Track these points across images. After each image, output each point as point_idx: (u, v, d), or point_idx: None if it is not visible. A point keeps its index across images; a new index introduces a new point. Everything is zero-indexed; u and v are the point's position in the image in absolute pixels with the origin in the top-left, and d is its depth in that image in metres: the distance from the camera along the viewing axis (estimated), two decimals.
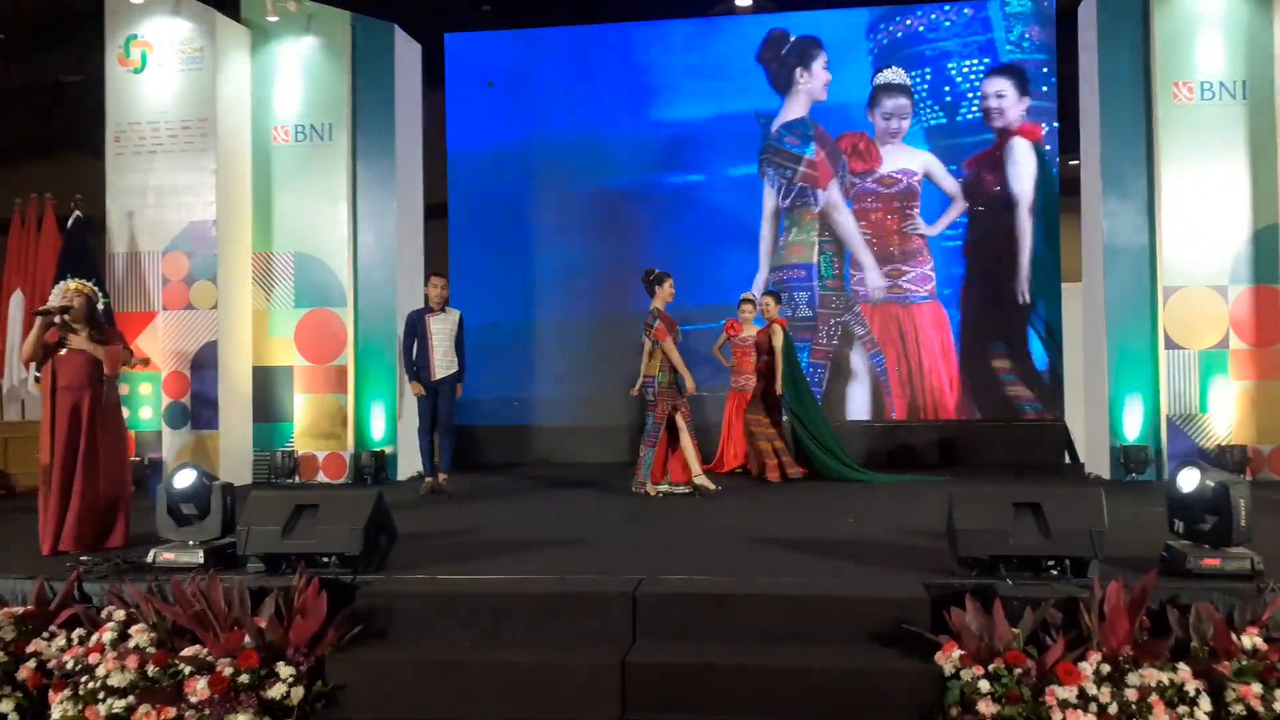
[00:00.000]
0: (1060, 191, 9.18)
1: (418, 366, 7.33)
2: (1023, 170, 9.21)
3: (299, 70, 8.64)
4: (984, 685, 3.43)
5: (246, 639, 3.96)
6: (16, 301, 8.40)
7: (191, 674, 3.86)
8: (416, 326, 7.33)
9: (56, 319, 5.36)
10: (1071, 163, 9.13)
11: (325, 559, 4.47)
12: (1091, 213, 8.15)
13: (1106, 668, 3.42)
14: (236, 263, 8.47)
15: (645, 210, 9.71)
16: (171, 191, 8.25)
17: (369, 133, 8.63)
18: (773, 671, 3.78)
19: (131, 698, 3.82)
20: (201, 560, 4.62)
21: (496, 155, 9.90)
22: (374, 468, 8.33)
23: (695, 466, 7.18)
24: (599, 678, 3.83)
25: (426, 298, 7.40)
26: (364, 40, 8.67)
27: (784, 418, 8.01)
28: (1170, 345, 7.63)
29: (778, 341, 7.90)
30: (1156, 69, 7.74)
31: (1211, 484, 4.07)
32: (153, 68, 8.33)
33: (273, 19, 8.52)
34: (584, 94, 9.79)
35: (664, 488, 7.14)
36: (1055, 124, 9.14)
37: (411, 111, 9.03)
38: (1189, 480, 4.13)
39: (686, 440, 7.18)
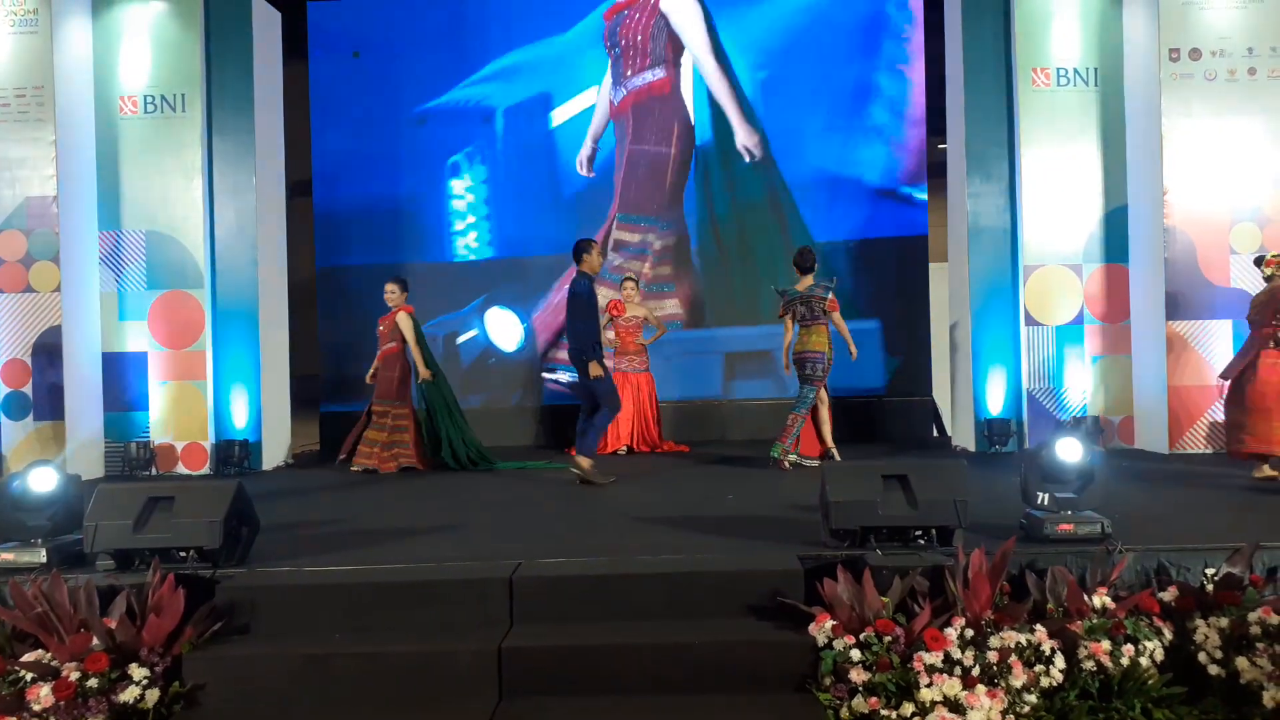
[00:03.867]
0: (929, 173, 9.46)
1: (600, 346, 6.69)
2: None
3: (146, 37, 8.13)
4: (855, 654, 3.50)
5: (95, 641, 3.72)
6: None
7: (34, 680, 3.61)
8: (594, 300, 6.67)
9: None
10: (940, 146, 9.41)
11: (182, 554, 4.24)
12: (956, 194, 8.42)
13: (970, 632, 3.53)
14: (81, 242, 7.93)
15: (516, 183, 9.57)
16: (5, 165, 7.66)
17: (225, 104, 8.19)
18: (651, 649, 3.77)
19: None
20: (44, 559, 4.31)
21: (362, 128, 9.57)
22: (237, 457, 7.96)
23: (829, 438, 7.20)
24: (475, 664, 3.75)
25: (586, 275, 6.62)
26: (218, 6, 8.21)
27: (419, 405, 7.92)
28: (1030, 321, 7.97)
29: (405, 326, 7.71)
30: (1017, 55, 8.03)
31: (1085, 454, 4.27)
32: None
33: None
34: (451, 60, 9.55)
35: (794, 458, 7.07)
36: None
37: (271, 82, 8.62)
38: (1071, 451, 4.28)
39: (826, 414, 7.17)
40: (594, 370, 6.52)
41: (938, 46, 8.83)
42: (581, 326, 6.51)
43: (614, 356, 8.53)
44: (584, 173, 9.69)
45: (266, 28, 8.56)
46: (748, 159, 9.59)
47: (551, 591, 4.06)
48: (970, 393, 8.17)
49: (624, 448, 8.39)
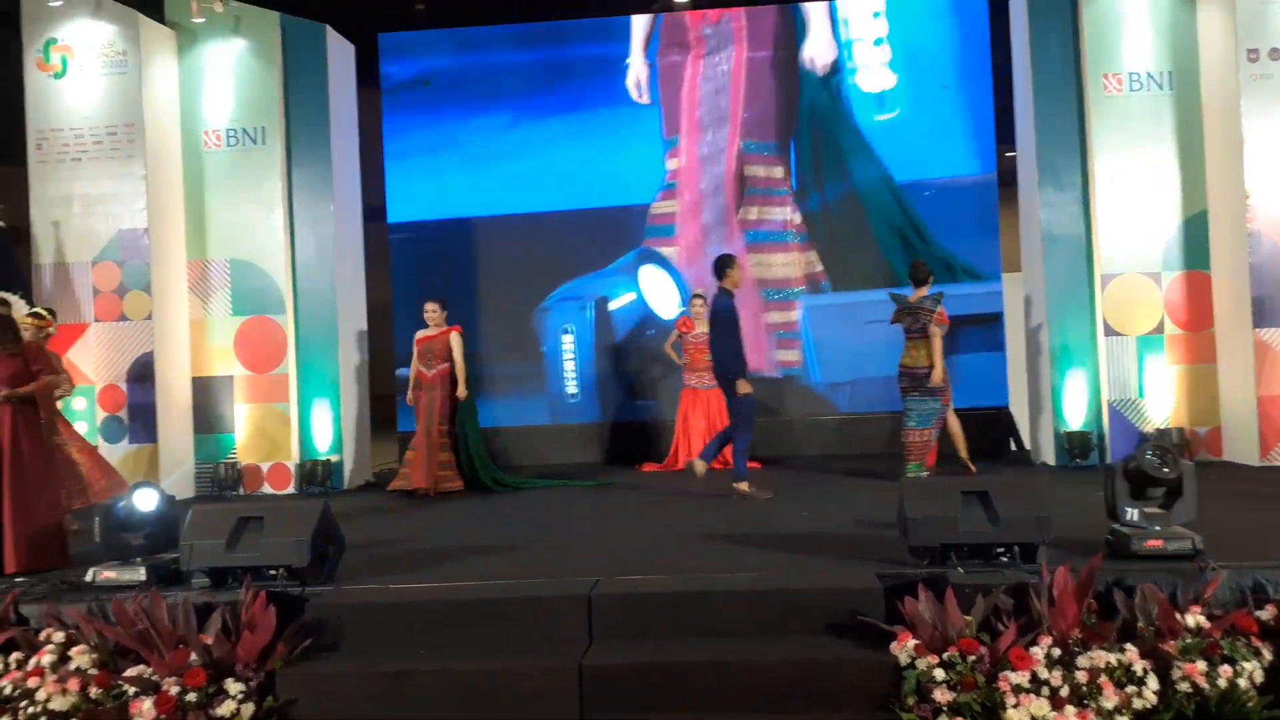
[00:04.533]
0: (999, 182, 9.33)
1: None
2: None
3: (228, 73, 8.44)
4: (939, 674, 3.47)
5: (193, 656, 3.87)
6: None
7: (136, 695, 3.77)
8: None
9: None
10: (1008, 154, 9.28)
11: (272, 572, 4.38)
12: (1029, 203, 8.30)
13: (1057, 651, 3.48)
14: (170, 271, 8.25)
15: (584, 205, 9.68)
16: (99, 200, 8.00)
17: (303, 135, 8.45)
18: (730, 667, 3.78)
19: None
20: (144, 577, 4.49)
21: (435, 156, 9.77)
22: (319, 477, 8.17)
23: (963, 449, 7.20)
24: (556, 681, 3.80)
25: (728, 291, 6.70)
26: (295, 41, 8.48)
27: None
28: (1109, 332, 7.80)
29: (458, 344, 7.76)
30: (1086, 61, 7.90)
31: (1171, 467, 4.17)
32: (74, 72, 8.07)
33: (198, 20, 8.30)
34: (522, 91, 9.70)
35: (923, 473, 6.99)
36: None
37: (346, 113, 8.87)
38: (1154, 464, 4.19)
39: (957, 425, 7.18)
40: (743, 388, 6.55)
41: (1003, 56, 8.73)
42: (726, 346, 6.56)
43: (684, 373, 8.57)
44: (639, 98, 9.67)
45: (340, 59, 8.82)
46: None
47: (630, 609, 4.11)
48: (1048, 405, 8.01)
49: None
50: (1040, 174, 8.04)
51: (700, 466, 6.93)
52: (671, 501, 6.88)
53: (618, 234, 9.60)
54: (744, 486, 6.64)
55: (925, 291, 7.03)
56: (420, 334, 7.78)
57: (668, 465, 8.53)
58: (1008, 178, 9.11)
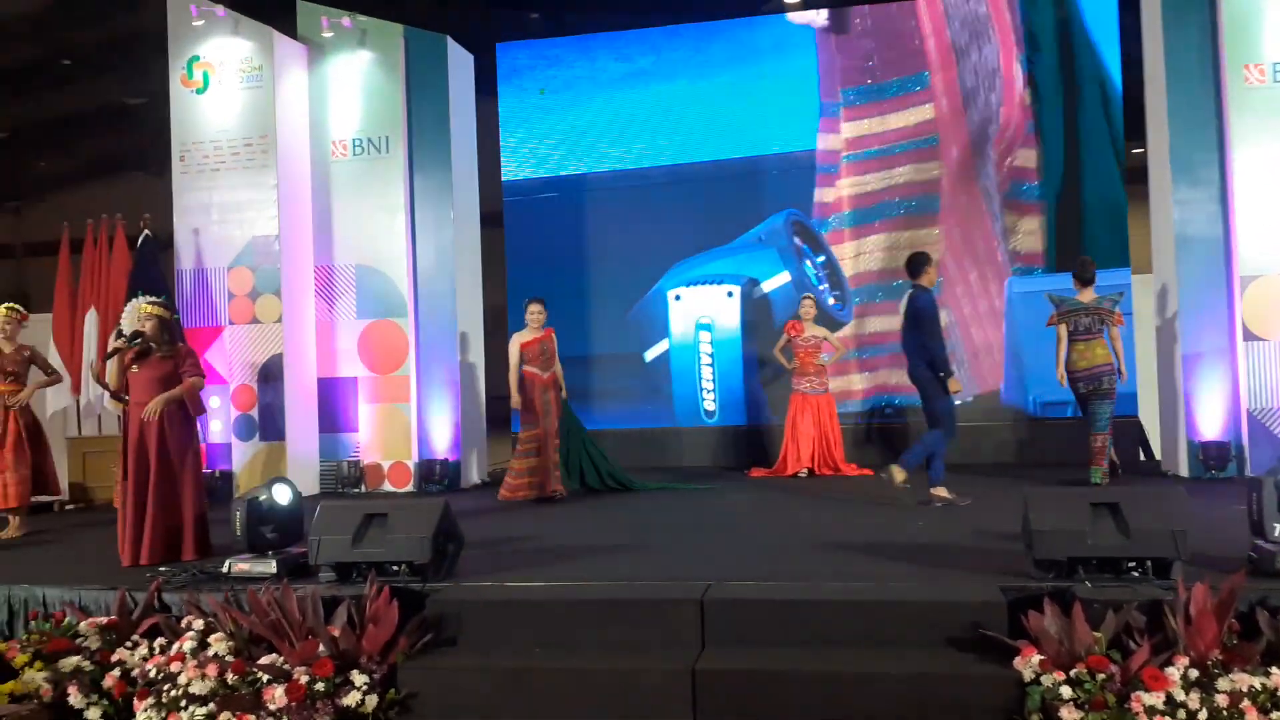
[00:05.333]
0: (1126, 180, 8.95)
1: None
2: None
3: (355, 85, 8.77)
4: (1066, 691, 3.35)
5: (321, 648, 4.02)
6: (91, 320, 8.64)
7: (269, 682, 3.93)
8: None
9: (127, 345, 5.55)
10: (1135, 150, 8.88)
11: (395, 567, 4.52)
12: (1161, 201, 7.92)
13: (1194, 672, 3.32)
14: (299, 276, 8.62)
15: (697, 210, 9.68)
16: (235, 208, 8.42)
17: (424, 144, 8.73)
18: (846, 678, 3.73)
19: (212, 705, 3.90)
20: (275, 570, 4.70)
21: (548, 162, 9.94)
22: (438, 475, 8.41)
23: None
24: (669, 684, 3.81)
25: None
26: (417, 52, 8.77)
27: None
28: (1249, 336, 7.39)
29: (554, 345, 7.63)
30: (1225, 52, 7.50)
31: None
32: (214, 87, 8.53)
33: (327, 35, 8.68)
34: (635, 98, 9.78)
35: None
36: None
37: (466, 122, 9.12)
38: None
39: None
40: (954, 386, 6.44)
41: (1134, 50, 8.36)
42: (934, 344, 6.45)
43: (793, 378, 8.49)
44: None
45: (459, 69, 9.07)
46: None
47: (742, 615, 4.09)
48: (1181, 414, 7.63)
49: (805, 470, 8.31)
50: (1174, 170, 7.67)
51: (900, 474, 6.47)
52: (782, 507, 6.82)
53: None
54: (942, 492, 6.47)
55: (1093, 291, 6.87)
56: (526, 337, 7.50)
57: (776, 471, 8.46)
58: (1136, 176, 8.73)
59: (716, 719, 3.74)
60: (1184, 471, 7.57)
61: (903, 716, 3.62)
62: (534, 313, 7.53)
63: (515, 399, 7.47)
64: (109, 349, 5.89)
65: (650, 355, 9.71)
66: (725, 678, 3.80)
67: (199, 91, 8.56)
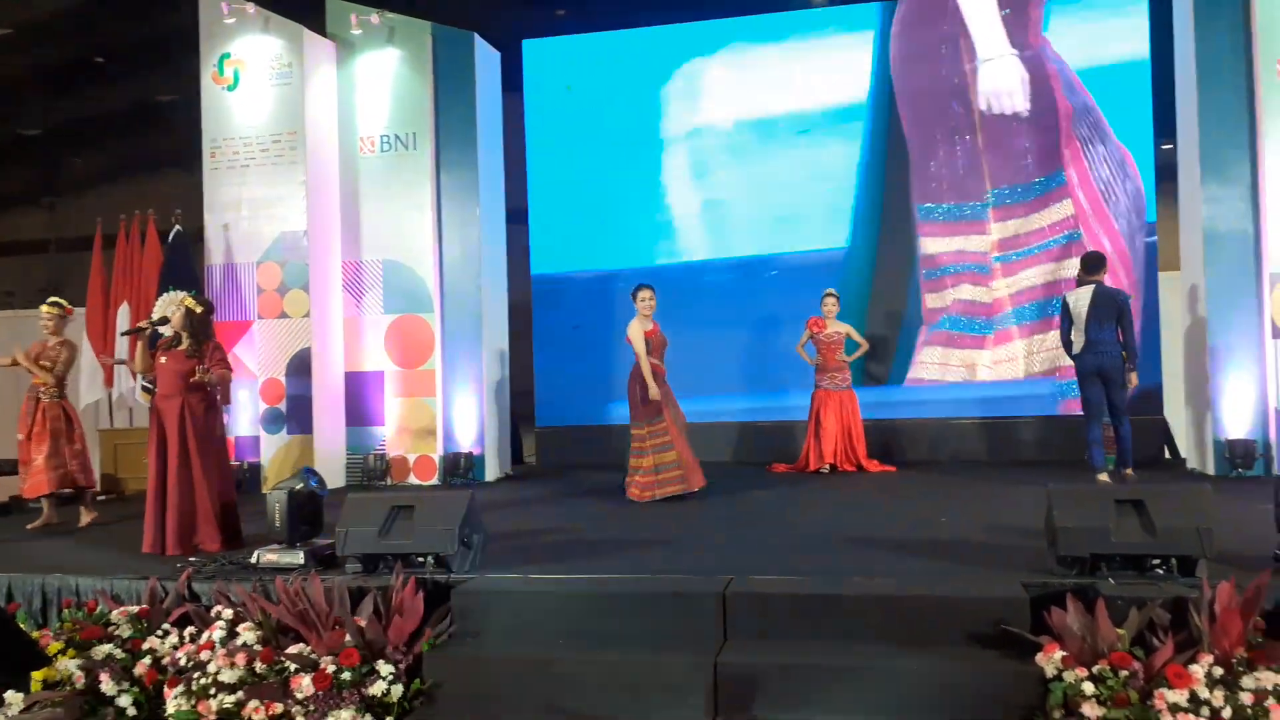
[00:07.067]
0: (1156, 177, 8.86)
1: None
2: None
3: (383, 81, 8.85)
4: (1088, 687, 3.35)
5: (347, 637, 4.08)
6: (124, 314, 8.78)
7: (297, 671, 3.99)
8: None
9: (148, 332, 5.65)
10: (1164, 146, 8.80)
11: (421, 559, 4.57)
12: (1190, 198, 7.85)
13: (1219, 670, 3.31)
14: (327, 271, 8.71)
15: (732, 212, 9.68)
16: (264, 204, 8.52)
17: (451, 141, 8.79)
18: (866, 673, 3.75)
19: (241, 693, 3.97)
20: (302, 561, 4.77)
21: (575, 160, 9.96)
22: (462, 469, 8.48)
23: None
24: (690, 677, 3.84)
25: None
26: (444, 50, 8.83)
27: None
28: (1277, 334, 7.31)
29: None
30: (1258, 47, 7.41)
31: None
32: (245, 84, 8.62)
33: (356, 32, 8.77)
34: (662, 95, 9.79)
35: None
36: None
37: (492, 118, 9.17)
38: None
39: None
40: (1134, 380, 6.92)
41: (1165, 45, 8.28)
42: (1130, 336, 6.89)
43: (815, 374, 8.48)
44: None
45: (487, 66, 9.12)
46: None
47: (764, 609, 4.11)
48: (1207, 412, 7.56)
49: (828, 466, 8.31)
50: (1203, 168, 7.59)
51: (1129, 472, 6.88)
52: (804, 503, 6.83)
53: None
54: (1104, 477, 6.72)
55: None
56: (646, 325, 6.99)
57: (799, 466, 8.46)
58: (1166, 173, 8.64)
59: (737, 712, 3.76)
60: (1210, 469, 7.50)
61: (923, 711, 3.63)
62: (645, 299, 7.02)
63: (654, 390, 6.84)
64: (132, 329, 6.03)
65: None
66: (746, 671, 3.83)
67: (230, 89, 8.66)
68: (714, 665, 3.83)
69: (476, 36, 8.91)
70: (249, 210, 8.55)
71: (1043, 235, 8.98)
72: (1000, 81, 9.09)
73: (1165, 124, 8.46)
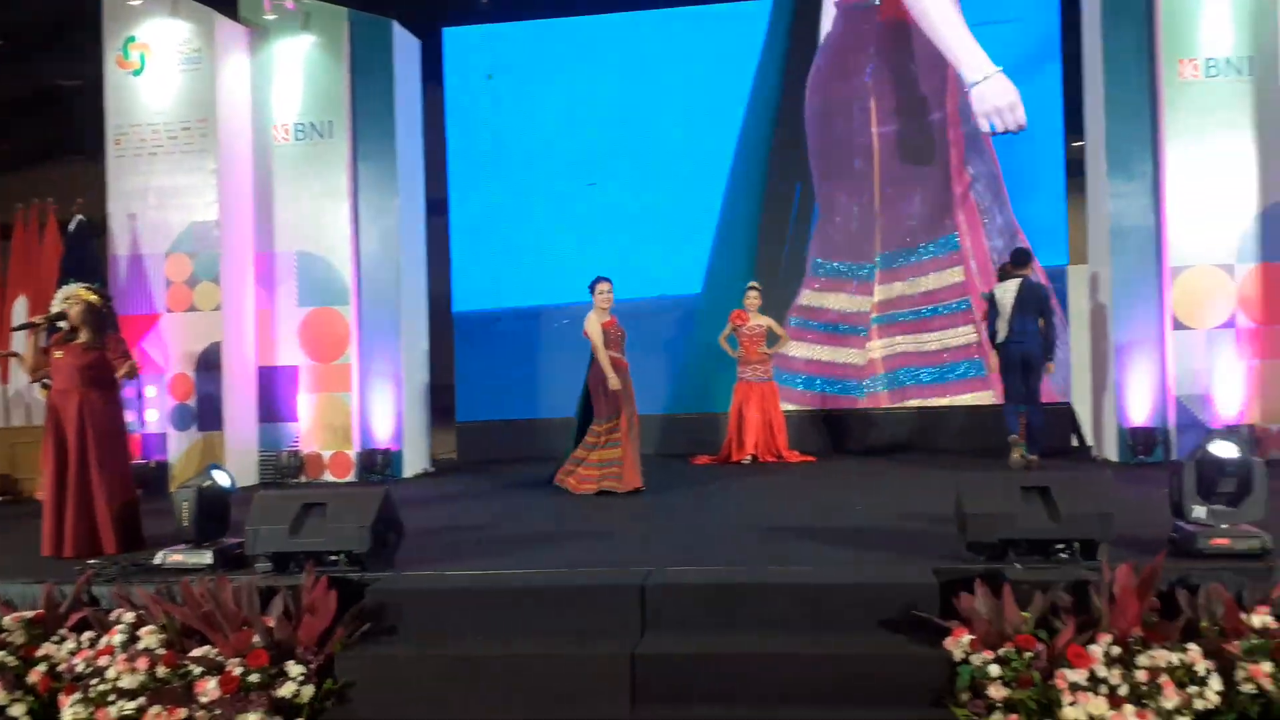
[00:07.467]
0: (1066, 173, 9.12)
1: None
2: None
3: (298, 68, 8.63)
4: (994, 669, 3.42)
5: (256, 638, 3.96)
6: (20, 307, 8.42)
7: (201, 674, 3.87)
8: None
9: (43, 327, 5.43)
10: (1076, 144, 9.06)
11: (333, 557, 4.47)
12: (1097, 194, 8.10)
13: (1116, 650, 3.41)
14: (239, 263, 8.47)
15: (642, 198, 9.68)
16: (173, 193, 8.24)
17: (369, 129, 8.61)
18: (783, 660, 3.78)
19: (142, 699, 3.83)
20: (210, 561, 4.62)
21: (496, 149, 9.86)
22: (379, 465, 8.33)
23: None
24: (609, 670, 3.83)
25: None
26: (362, 36, 8.65)
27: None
28: (1177, 325, 7.59)
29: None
30: (1161, 46, 7.67)
31: (1241, 461, 4.07)
32: (152, 69, 8.32)
33: (270, 17, 8.52)
34: (585, 85, 9.74)
35: None
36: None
37: (411, 107, 9.01)
38: (1226, 454, 4.09)
39: None
40: (1051, 368, 7.44)
41: (1074, 45, 8.52)
42: (1051, 328, 7.38)
43: (738, 366, 8.54)
44: None
45: (406, 54, 8.96)
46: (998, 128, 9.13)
47: (683, 600, 4.11)
48: (1112, 400, 7.82)
49: (749, 457, 8.38)
50: (1110, 164, 7.84)
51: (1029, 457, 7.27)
52: (725, 494, 6.87)
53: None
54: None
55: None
56: (603, 318, 6.99)
57: (721, 458, 8.52)
58: (1075, 169, 8.91)
59: (654, 703, 3.76)
60: (1114, 456, 7.77)
61: (838, 697, 3.67)
62: (603, 292, 7.02)
63: (614, 381, 6.84)
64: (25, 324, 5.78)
65: None
66: (664, 662, 3.83)
67: (136, 73, 8.36)
68: (632, 657, 3.82)
69: (395, 24, 8.75)
70: (156, 199, 8.26)
71: (930, 300, 9.15)
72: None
73: (1076, 122, 8.70)
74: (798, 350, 9.26)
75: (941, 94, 9.22)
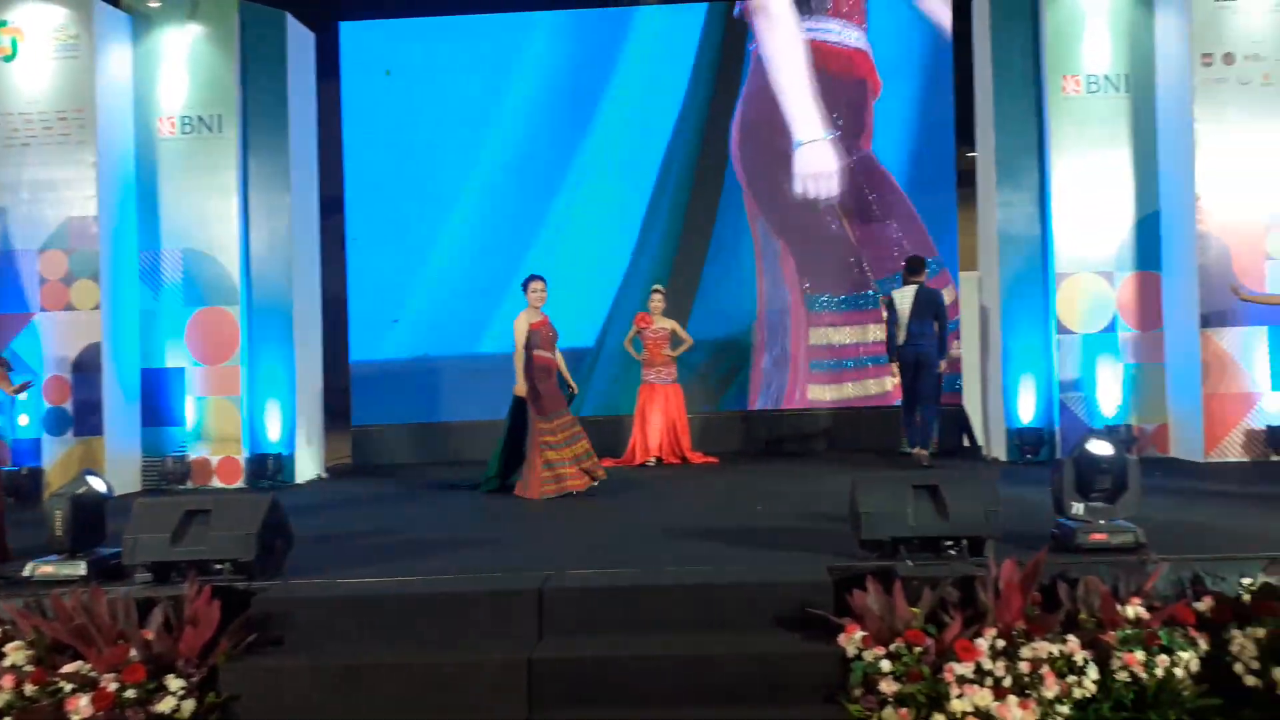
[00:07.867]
0: (957, 182, 9.41)
1: None
2: None
3: (184, 59, 8.29)
4: (885, 665, 3.49)
5: (132, 652, 3.79)
6: None
7: (73, 691, 3.68)
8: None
9: None
10: (969, 155, 9.37)
11: (218, 566, 4.30)
12: (986, 202, 8.38)
13: (1001, 642, 3.51)
14: (120, 260, 8.09)
15: (549, 202, 9.61)
16: (48, 186, 7.82)
17: (260, 124, 8.33)
18: (680, 660, 3.78)
19: (9, 719, 3.62)
20: (83, 572, 4.40)
21: (396, 147, 9.66)
22: (270, 471, 8.06)
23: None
24: (504, 675, 3.78)
25: None
26: (253, 28, 8.36)
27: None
28: (1062, 330, 7.90)
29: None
30: (1047, 63, 7.99)
31: (1117, 459, 4.26)
32: (24, 56, 7.89)
33: (154, 5, 8.19)
34: (481, 84, 9.62)
35: None
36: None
37: (305, 102, 8.76)
38: (1102, 452, 4.26)
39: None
40: (944, 366, 7.70)
41: (966, 56, 8.80)
42: (946, 331, 7.68)
43: (642, 368, 8.56)
44: None
45: (300, 48, 8.70)
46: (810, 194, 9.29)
47: (580, 603, 4.09)
48: (1001, 402, 8.10)
49: (653, 459, 8.41)
50: (999, 174, 8.13)
51: (924, 453, 7.53)
52: (627, 496, 6.86)
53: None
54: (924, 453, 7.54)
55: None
56: (534, 317, 6.82)
57: (625, 460, 8.52)
58: (966, 178, 9.20)
59: (551, 707, 3.72)
60: (1004, 456, 8.05)
61: (735, 695, 3.70)
62: (536, 290, 6.83)
63: (521, 385, 6.70)
64: None
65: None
66: (561, 666, 3.79)
67: (7, 59, 7.91)
68: (529, 661, 3.77)
69: (288, 16, 8.50)
70: (30, 193, 7.83)
71: (854, 352, 9.36)
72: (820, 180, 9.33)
73: (968, 132, 8.97)
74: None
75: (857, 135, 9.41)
